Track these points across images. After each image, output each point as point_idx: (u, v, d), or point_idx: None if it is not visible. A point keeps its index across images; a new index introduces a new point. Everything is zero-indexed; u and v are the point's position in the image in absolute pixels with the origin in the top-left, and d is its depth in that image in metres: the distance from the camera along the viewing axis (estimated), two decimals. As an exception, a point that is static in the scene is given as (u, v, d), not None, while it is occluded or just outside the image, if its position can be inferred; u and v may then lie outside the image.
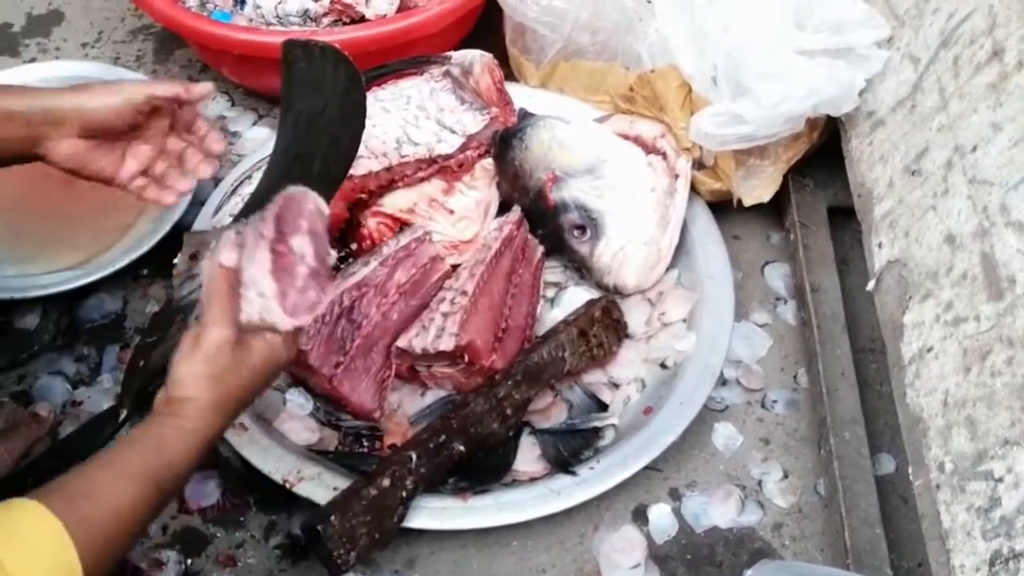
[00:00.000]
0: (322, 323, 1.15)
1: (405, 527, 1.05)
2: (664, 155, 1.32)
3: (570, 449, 1.15)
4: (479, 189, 1.31)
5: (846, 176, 1.29)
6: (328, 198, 1.01)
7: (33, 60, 1.69)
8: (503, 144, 1.30)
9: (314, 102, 0.96)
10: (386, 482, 1.03)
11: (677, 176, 1.31)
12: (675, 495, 1.18)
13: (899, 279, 1.11)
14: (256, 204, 0.98)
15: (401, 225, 1.27)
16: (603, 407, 1.21)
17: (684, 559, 1.12)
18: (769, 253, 1.42)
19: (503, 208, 1.33)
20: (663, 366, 1.23)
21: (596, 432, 1.17)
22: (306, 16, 1.53)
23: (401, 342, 1.18)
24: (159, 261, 1.33)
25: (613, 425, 1.18)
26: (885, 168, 1.19)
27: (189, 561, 1.11)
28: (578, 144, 1.30)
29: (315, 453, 1.14)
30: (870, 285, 1.17)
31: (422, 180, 1.28)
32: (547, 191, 1.28)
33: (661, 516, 1.15)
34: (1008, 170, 0.96)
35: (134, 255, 1.30)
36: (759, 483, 1.19)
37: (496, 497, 1.09)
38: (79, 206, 1.34)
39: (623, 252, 1.26)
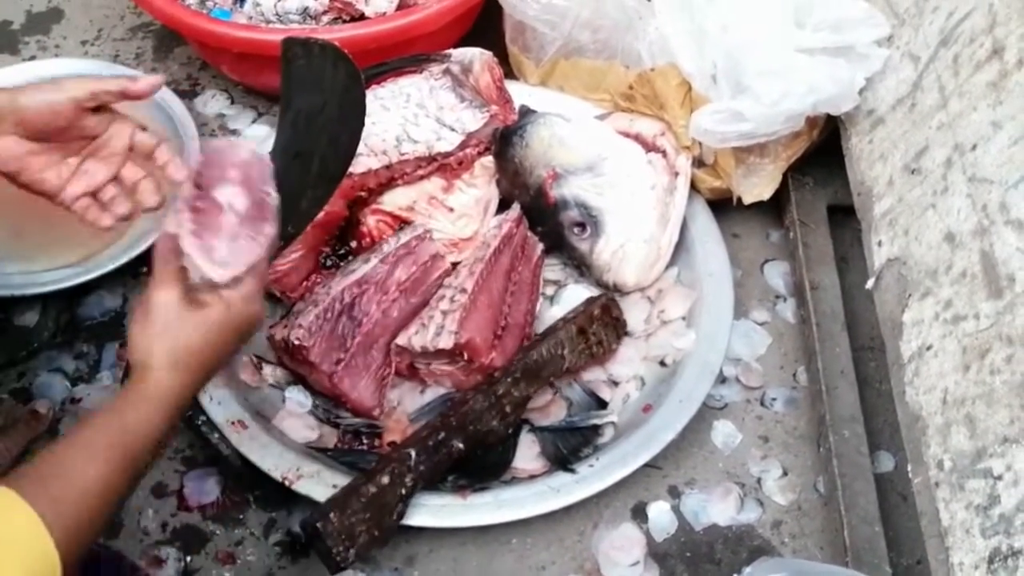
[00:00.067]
0: (323, 320, 1.15)
1: (404, 524, 1.05)
2: (664, 153, 1.32)
3: (569, 447, 1.15)
4: (479, 187, 1.31)
5: (846, 174, 1.30)
6: (328, 196, 1.01)
7: (33, 58, 1.69)
8: (503, 141, 1.30)
9: (313, 100, 0.96)
10: (385, 479, 1.03)
11: (677, 174, 1.31)
12: (674, 493, 1.18)
13: (899, 277, 1.11)
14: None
15: (401, 223, 1.27)
16: (602, 405, 1.21)
17: (683, 557, 1.12)
18: (769, 251, 1.42)
19: (503, 206, 1.33)
20: (662, 364, 1.23)
21: (595, 430, 1.17)
22: (306, 14, 1.53)
23: (401, 340, 1.18)
24: (159, 259, 1.33)
25: (612, 423, 1.18)
26: (885, 166, 1.19)
27: (188, 558, 1.12)
28: (578, 142, 1.30)
29: (314, 451, 1.14)
30: (869, 283, 1.17)
31: (422, 178, 1.28)
32: (547, 188, 1.28)
33: (660, 514, 1.15)
34: (1008, 168, 0.96)
35: (133, 253, 1.30)
36: (758, 481, 1.19)
37: (495, 495, 1.09)
38: (79, 204, 1.34)
39: (623, 250, 1.26)
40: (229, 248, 0.82)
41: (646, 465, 1.13)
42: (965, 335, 0.97)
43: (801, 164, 1.37)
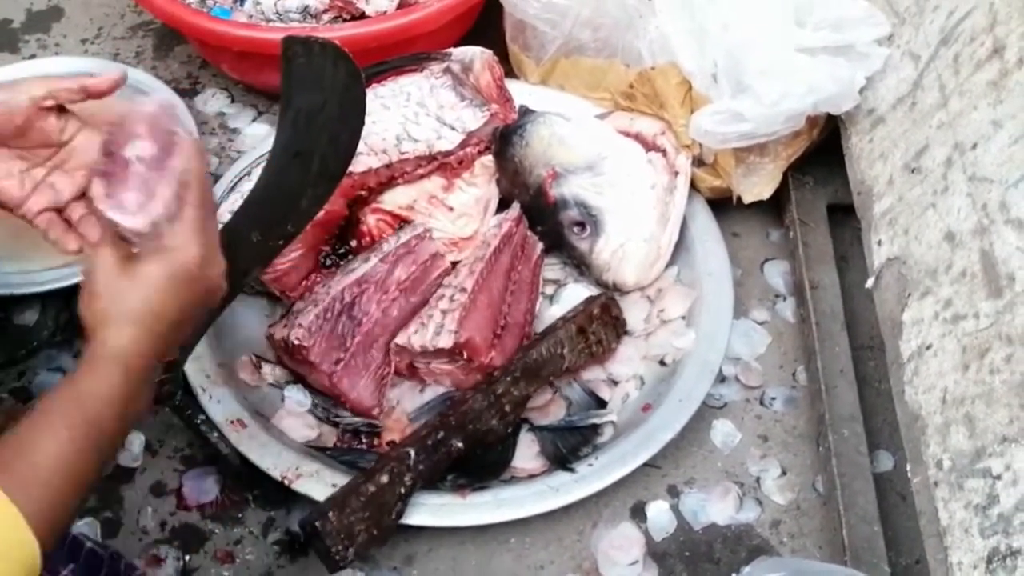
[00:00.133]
0: (323, 319, 1.15)
1: (403, 524, 1.05)
2: (664, 152, 1.32)
3: (569, 446, 1.15)
4: (479, 186, 1.31)
5: (846, 174, 1.29)
6: (328, 195, 1.01)
7: (33, 56, 1.69)
8: (503, 141, 1.30)
9: (314, 99, 0.96)
10: (384, 479, 1.03)
11: (677, 173, 1.31)
12: (673, 492, 1.18)
13: (898, 276, 1.11)
14: (255, 201, 0.99)
15: (401, 222, 1.27)
16: (602, 404, 1.21)
17: (682, 556, 1.12)
18: (768, 250, 1.41)
19: (503, 205, 1.33)
20: (662, 363, 1.23)
21: (595, 429, 1.17)
22: (306, 12, 1.53)
23: (400, 339, 1.18)
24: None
25: (612, 422, 1.18)
26: (885, 165, 1.19)
27: (187, 557, 1.12)
28: (578, 141, 1.30)
29: (313, 450, 1.14)
30: (869, 282, 1.17)
31: (422, 177, 1.28)
32: (547, 188, 1.28)
33: (659, 513, 1.15)
34: (1008, 168, 0.96)
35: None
36: (757, 480, 1.19)
37: (495, 494, 1.09)
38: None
39: (623, 249, 1.26)
40: (139, 195, 0.79)
41: (645, 464, 1.13)
42: (965, 334, 0.97)
43: (801, 163, 1.37)
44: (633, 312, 1.28)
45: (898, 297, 1.10)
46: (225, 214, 1.23)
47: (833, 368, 1.21)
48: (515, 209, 1.30)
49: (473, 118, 1.31)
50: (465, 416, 1.10)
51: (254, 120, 1.59)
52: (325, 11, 1.53)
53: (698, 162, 1.35)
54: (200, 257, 0.78)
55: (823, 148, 1.36)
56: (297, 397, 1.19)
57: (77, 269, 1.29)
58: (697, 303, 1.26)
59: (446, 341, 1.14)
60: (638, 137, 1.33)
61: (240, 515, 1.15)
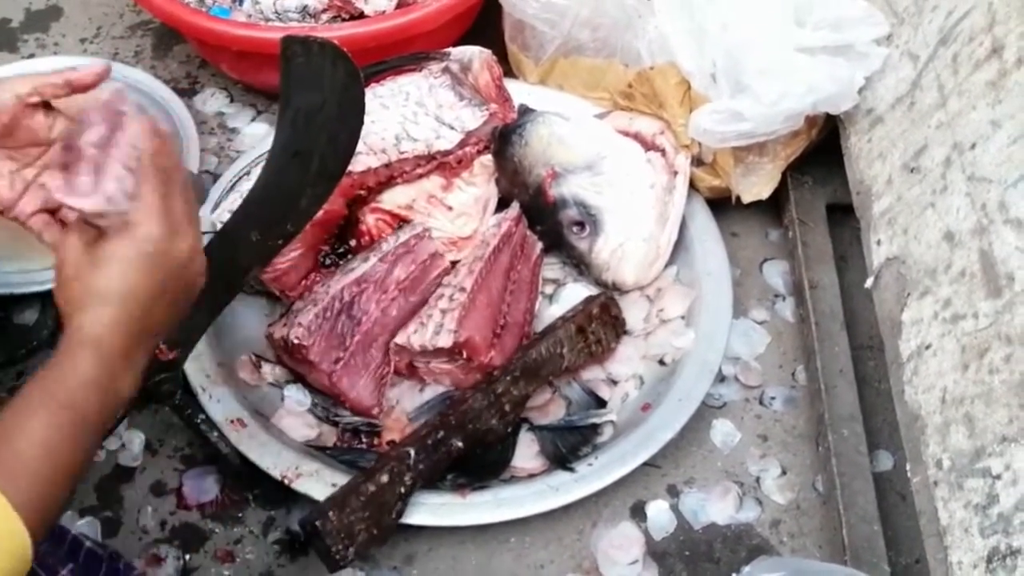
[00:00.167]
0: (323, 318, 1.15)
1: (403, 523, 1.05)
2: (663, 152, 1.32)
3: (568, 445, 1.15)
4: (478, 185, 1.31)
5: (845, 173, 1.30)
6: (327, 195, 1.01)
7: (32, 56, 1.69)
8: (502, 140, 1.30)
9: (313, 98, 0.96)
10: (384, 478, 1.03)
11: (676, 173, 1.31)
12: (673, 492, 1.18)
13: (898, 276, 1.11)
14: (255, 200, 0.99)
15: (400, 221, 1.27)
16: (601, 404, 1.21)
17: (682, 555, 1.12)
18: (768, 250, 1.42)
19: (502, 204, 1.33)
20: (661, 363, 1.23)
21: (594, 429, 1.17)
22: (305, 12, 1.53)
23: (400, 338, 1.18)
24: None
25: (611, 422, 1.18)
26: (884, 165, 1.19)
27: (187, 557, 1.12)
28: (577, 140, 1.30)
29: (313, 449, 1.14)
30: (869, 282, 1.17)
31: (421, 176, 1.28)
32: (546, 187, 1.28)
33: (659, 513, 1.15)
34: (1007, 167, 0.96)
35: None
36: (757, 480, 1.19)
37: (494, 493, 1.09)
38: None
39: (622, 249, 1.26)
40: (91, 176, 0.79)
41: (645, 464, 1.13)
42: (964, 334, 0.97)
43: (800, 163, 1.37)
44: (632, 312, 1.28)
45: (897, 297, 1.10)
46: (224, 213, 1.23)
47: (832, 368, 1.21)
48: (514, 208, 1.30)
49: (472, 118, 1.31)
50: (465, 415, 1.10)
51: (253, 120, 1.59)
52: (324, 11, 1.53)
53: (697, 162, 1.35)
54: (165, 230, 0.77)
55: (822, 148, 1.36)
56: (297, 396, 1.19)
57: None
58: (696, 303, 1.26)
59: (445, 340, 1.14)
60: (637, 137, 1.33)
61: (240, 514, 1.15)
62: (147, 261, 0.76)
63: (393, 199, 1.26)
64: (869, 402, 1.22)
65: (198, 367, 1.16)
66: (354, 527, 1.00)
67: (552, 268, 1.33)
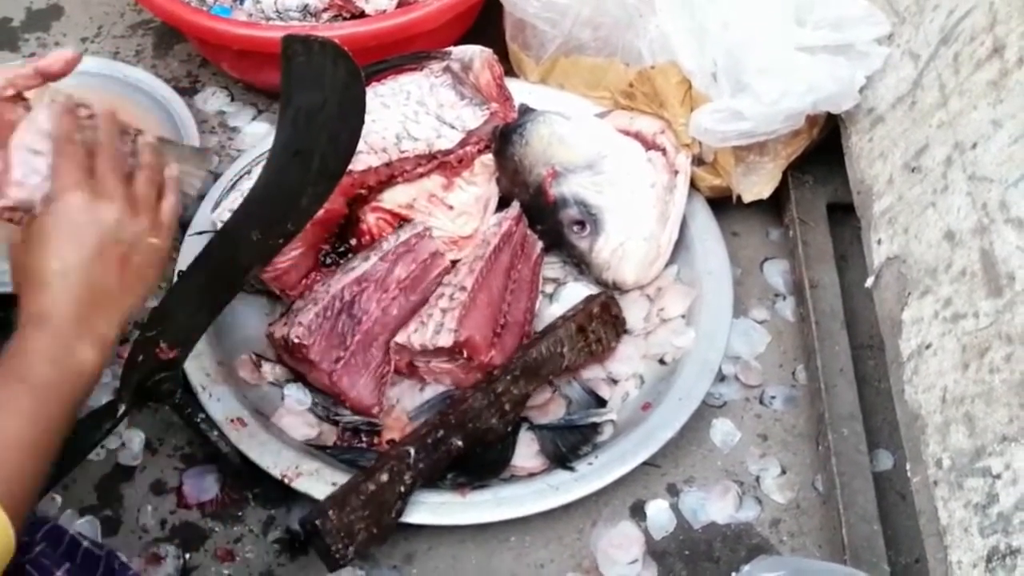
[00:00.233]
0: (323, 318, 1.15)
1: (403, 522, 1.05)
2: (664, 151, 1.32)
3: (568, 445, 1.15)
4: (478, 185, 1.31)
5: (846, 173, 1.29)
6: (327, 193, 1.01)
7: (32, 55, 1.69)
8: (503, 139, 1.30)
9: (314, 97, 0.96)
10: (384, 477, 1.03)
11: (677, 172, 1.31)
12: (673, 491, 1.18)
13: (898, 275, 1.11)
14: (255, 199, 0.99)
15: (401, 221, 1.27)
16: (601, 403, 1.21)
17: (682, 555, 1.12)
18: (768, 249, 1.42)
19: (503, 204, 1.33)
20: (662, 362, 1.23)
21: (594, 428, 1.17)
22: (306, 11, 1.53)
23: (400, 338, 1.18)
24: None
25: (611, 421, 1.18)
26: (885, 165, 1.19)
27: (187, 556, 1.12)
28: (578, 140, 1.30)
29: (313, 448, 1.14)
30: (869, 281, 1.17)
31: (421, 176, 1.28)
32: (547, 186, 1.28)
33: (659, 512, 1.15)
34: (1008, 167, 0.96)
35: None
36: (757, 479, 1.19)
37: (494, 492, 1.09)
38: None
39: (622, 248, 1.26)
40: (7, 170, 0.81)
41: (645, 463, 1.13)
42: (964, 333, 0.97)
43: (801, 162, 1.37)
44: (633, 311, 1.28)
45: (898, 296, 1.10)
46: (225, 212, 1.23)
47: (833, 367, 1.21)
48: (515, 208, 1.30)
49: (473, 117, 1.31)
50: (465, 415, 1.10)
51: (254, 119, 1.59)
52: (325, 10, 1.53)
53: (698, 161, 1.35)
54: (86, 199, 0.80)
55: (823, 147, 1.36)
56: (297, 395, 1.19)
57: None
58: (697, 302, 1.26)
59: (446, 340, 1.14)
60: (638, 136, 1.33)
61: (240, 513, 1.15)
62: (72, 230, 0.79)
63: (394, 198, 1.26)
64: (869, 401, 1.22)
65: (198, 366, 1.16)
66: (354, 526, 1.00)
67: (552, 267, 1.33)
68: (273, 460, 1.10)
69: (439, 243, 1.26)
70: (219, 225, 1.21)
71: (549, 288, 1.32)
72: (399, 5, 1.50)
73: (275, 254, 1.03)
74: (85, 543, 0.88)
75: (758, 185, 1.35)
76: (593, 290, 1.29)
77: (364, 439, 1.18)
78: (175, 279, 1.23)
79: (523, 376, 1.14)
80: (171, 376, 1.03)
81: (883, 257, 1.15)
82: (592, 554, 1.12)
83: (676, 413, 1.15)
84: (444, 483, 1.11)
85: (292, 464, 1.09)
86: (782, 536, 1.14)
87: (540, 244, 1.30)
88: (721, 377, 1.26)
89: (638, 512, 1.16)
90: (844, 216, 1.36)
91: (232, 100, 1.62)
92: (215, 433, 1.11)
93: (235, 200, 1.22)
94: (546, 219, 1.30)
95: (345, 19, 1.53)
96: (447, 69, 1.35)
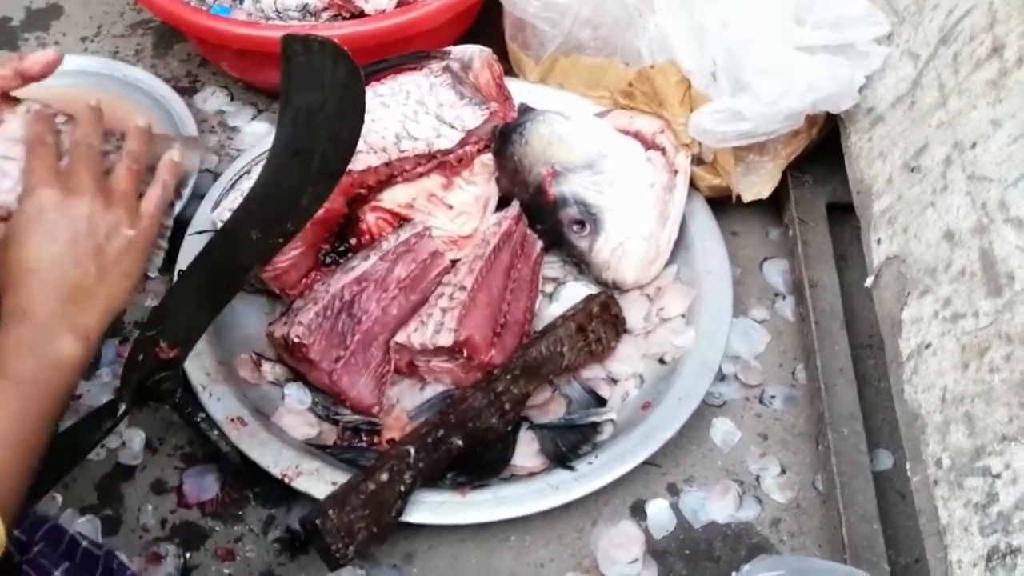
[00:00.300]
0: (323, 317, 1.15)
1: (403, 521, 1.05)
2: (663, 151, 1.32)
3: (568, 444, 1.15)
4: (478, 184, 1.31)
5: (845, 172, 1.30)
6: (327, 193, 1.01)
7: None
8: (503, 139, 1.30)
9: (313, 97, 0.96)
10: (384, 477, 1.03)
11: (676, 172, 1.31)
12: (673, 490, 1.18)
13: (898, 275, 1.11)
14: (255, 199, 0.99)
15: (400, 220, 1.27)
16: (601, 402, 1.21)
17: (682, 554, 1.13)
18: (768, 249, 1.42)
19: (502, 203, 1.33)
20: (661, 361, 1.24)
21: (594, 427, 1.17)
22: (305, 11, 1.53)
23: (400, 337, 1.18)
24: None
25: (611, 420, 1.18)
26: (884, 164, 1.19)
27: (188, 555, 1.12)
28: (578, 139, 1.30)
29: (314, 448, 1.14)
30: (869, 281, 1.17)
31: (421, 175, 1.28)
32: (546, 186, 1.28)
33: (659, 511, 1.15)
34: (1007, 166, 0.96)
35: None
36: (757, 479, 1.19)
37: (494, 492, 1.09)
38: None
39: (622, 247, 1.27)
40: None
41: (645, 463, 1.13)
42: (964, 333, 0.97)
43: (800, 162, 1.37)
44: (632, 310, 1.28)
45: (897, 296, 1.10)
46: (225, 212, 1.23)
47: (832, 367, 1.21)
48: (514, 207, 1.30)
49: (472, 116, 1.31)
50: (465, 414, 1.10)
51: (253, 118, 1.59)
52: (324, 9, 1.53)
53: (697, 161, 1.35)
54: (57, 195, 0.81)
55: (822, 147, 1.36)
56: (297, 395, 1.19)
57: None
58: (696, 301, 1.26)
59: (446, 339, 1.14)
60: (637, 135, 1.33)
61: (240, 513, 1.15)
62: (43, 226, 0.80)
63: (393, 198, 1.26)
64: (869, 401, 1.23)
65: (198, 365, 1.16)
66: (354, 525, 1.00)
67: (552, 267, 1.34)
68: (273, 459, 1.10)
69: (439, 243, 1.26)
70: (219, 224, 1.21)
71: (549, 287, 1.32)
72: (398, 5, 1.50)
73: (275, 253, 1.03)
74: (84, 543, 0.88)
75: (758, 185, 1.35)
76: (593, 289, 1.29)
77: (364, 438, 1.18)
78: (175, 278, 1.23)
79: (523, 375, 1.14)
80: (171, 375, 1.03)
81: (883, 257, 1.15)
82: (592, 553, 1.12)
83: (676, 412, 1.15)
84: (444, 482, 1.11)
85: (292, 463, 1.09)
86: (782, 535, 1.14)
87: (540, 243, 1.30)
88: (721, 377, 1.26)
89: (638, 511, 1.16)
90: (844, 216, 1.36)
91: (232, 100, 1.62)
92: (215, 432, 1.11)
93: (235, 199, 1.22)
94: (546, 218, 1.30)
95: (344, 18, 1.53)
96: (447, 69, 1.35)
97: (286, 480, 1.08)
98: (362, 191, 1.25)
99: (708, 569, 1.12)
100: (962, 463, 0.92)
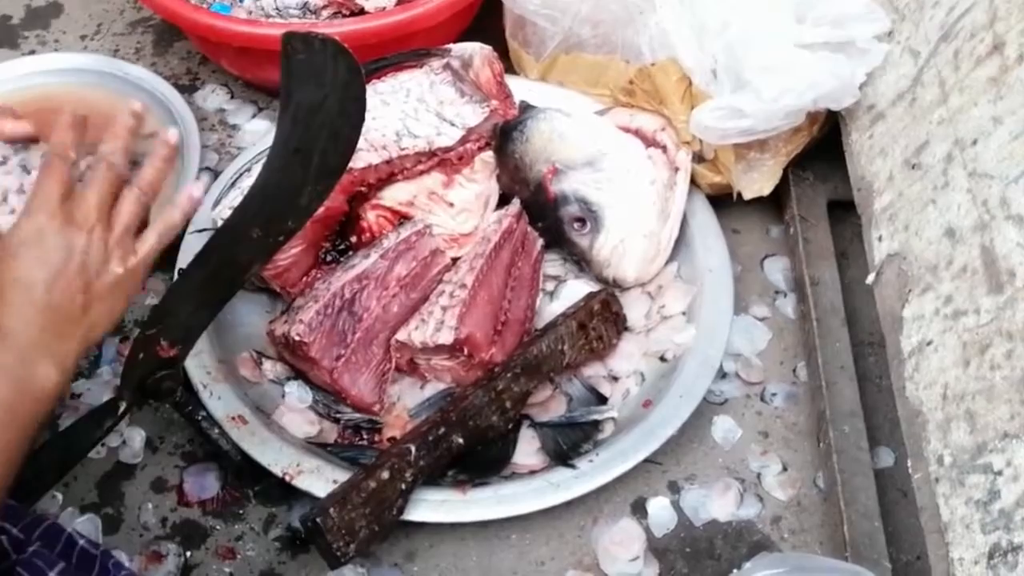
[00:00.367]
0: (324, 315, 1.15)
1: (404, 520, 1.05)
2: (664, 148, 1.31)
3: (569, 442, 1.15)
4: (479, 182, 1.31)
5: (846, 170, 1.29)
6: (328, 191, 1.01)
7: (32, 52, 1.69)
8: (503, 137, 1.30)
9: (314, 95, 0.96)
10: (385, 475, 1.03)
11: (677, 169, 1.31)
12: (674, 488, 1.18)
13: (899, 272, 1.11)
14: (255, 197, 0.99)
15: (401, 218, 1.27)
16: (602, 400, 1.21)
17: (683, 552, 1.13)
18: (769, 247, 1.41)
19: (503, 201, 1.33)
20: (662, 359, 1.23)
21: (595, 425, 1.17)
22: (305, 8, 1.52)
23: (400, 335, 1.18)
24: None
25: (612, 418, 1.18)
26: (885, 162, 1.19)
27: (188, 554, 1.12)
28: (578, 137, 1.29)
29: (314, 446, 1.14)
30: (870, 279, 1.17)
31: (422, 173, 1.28)
32: (547, 184, 1.28)
33: (660, 509, 1.15)
34: (1008, 164, 0.96)
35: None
36: (758, 476, 1.19)
37: (495, 490, 1.09)
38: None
39: (623, 245, 1.26)
40: None
41: (646, 460, 1.13)
42: (965, 330, 0.97)
43: (801, 159, 1.37)
44: (633, 308, 1.28)
45: (899, 293, 1.10)
46: (225, 210, 1.23)
47: (834, 364, 1.21)
48: (515, 205, 1.30)
49: (473, 114, 1.30)
50: (466, 412, 1.10)
51: (254, 116, 1.59)
52: (324, 7, 1.52)
53: (698, 158, 1.35)
54: (58, 220, 0.80)
55: (823, 144, 1.36)
56: (298, 393, 1.19)
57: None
58: (697, 299, 1.26)
59: (446, 337, 1.14)
60: (638, 133, 1.33)
61: (241, 511, 1.15)
62: (41, 249, 0.79)
63: (394, 196, 1.26)
64: (870, 398, 1.22)
65: (199, 364, 1.16)
66: (355, 524, 1.00)
67: (553, 265, 1.33)
68: (274, 458, 1.09)
69: (439, 240, 1.26)
70: (219, 223, 1.21)
71: (550, 285, 1.32)
72: (399, 2, 1.50)
73: (275, 252, 1.03)
74: (81, 542, 0.88)
75: (758, 182, 1.35)
76: (594, 287, 1.29)
77: (365, 437, 1.18)
78: (176, 277, 1.23)
79: (524, 373, 1.14)
80: (172, 374, 1.03)
81: (884, 254, 1.15)
82: (593, 551, 1.12)
83: (677, 410, 1.15)
84: (445, 481, 1.11)
85: (293, 462, 1.09)
86: (783, 533, 1.14)
87: (540, 241, 1.30)
88: (722, 374, 1.26)
89: (639, 509, 1.16)
90: (845, 213, 1.36)
91: (232, 97, 1.62)
92: (216, 431, 1.11)
93: (235, 198, 1.22)
94: (546, 216, 1.30)
95: (345, 16, 1.53)
96: (447, 66, 1.35)
97: (287, 478, 1.08)
98: (363, 189, 1.25)
99: (709, 567, 1.11)
100: (963, 460, 0.92)
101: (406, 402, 1.20)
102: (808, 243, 1.33)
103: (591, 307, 1.21)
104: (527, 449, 1.16)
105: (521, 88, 1.43)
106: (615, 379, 1.24)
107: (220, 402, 1.13)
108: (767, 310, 1.34)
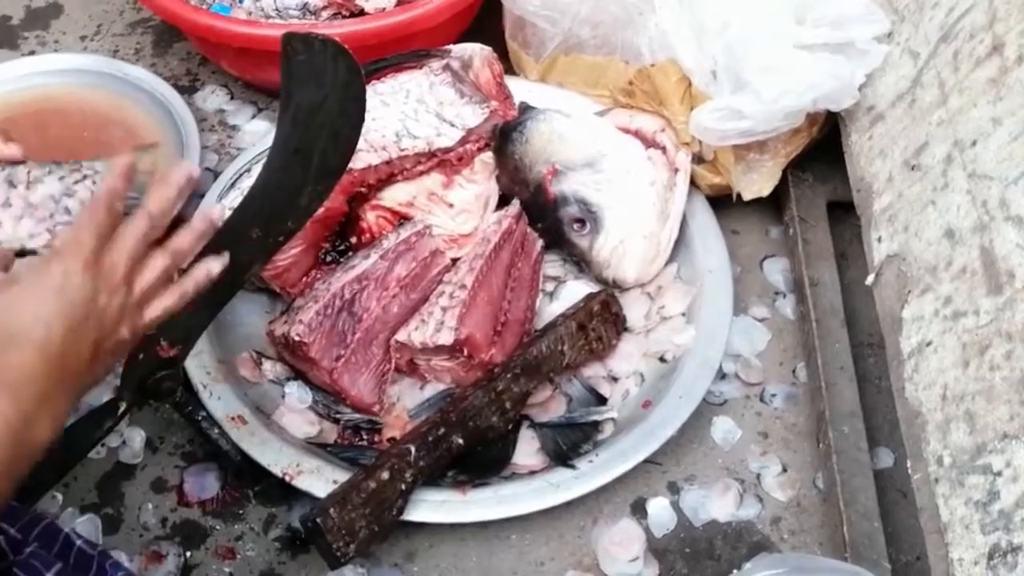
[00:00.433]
0: (324, 315, 1.15)
1: (404, 520, 1.05)
2: (664, 149, 1.32)
3: (569, 443, 1.15)
4: (479, 183, 1.31)
5: (845, 171, 1.30)
6: (327, 192, 1.01)
7: (32, 53, 1.69)
8: (503, 137, 1.30)
9: (314, 95, 0.96)
10: (385, 475, 1.03)
11: (677, 170, 1.31)
12: (674, 488, 1.18)
13: (898, 273, 1.11)
14: (256, 197, 0.99)
15: (401, 219, 1.27)
16: (602, 401, 1.21)
17: (683, 552, 1.13)
18: (768, 247, 1.42)
19: (503, 202, 1.33)
20: (662, 360, 1.23)
21: (595, 426, 1.17)
22: (305, 9, 1.52)
23: (400, 336, 1.18)
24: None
25: (612, 419, 1.18)
26: (884, 163, 1.19)
27: (188, 554, 1.12)
28: (578, 138, 1.30)
29: (314, 446, 1.14)
30: (869, 279, 1.17)
31: (421, 174, 1.28)
32: (547, 184, 1.28)
33: (660, 509, 1.15)
34: (1007, 165, 0.96)
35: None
36: (758, 477, 1.19)
37: (495, 490, 1.09)
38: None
39: (622, 246, 1.27)
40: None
41: (646, 461, 1.13)
42: (965, 331, 0.97)
43: (801, 160, 1.37)
44: (633, 309, 1.28)
45: (898, 294, 1.10)
46: (225, 211, 1.23)
47: (833, 365, 1.21)
48: (515, 206, 1.30)
49: (473, 115, 1.30)
50: (465, 413, 1.10)
51: (254, 117, 1.59)
52: (324, 8, 1.53)
53: (698, 159, 1.35)
54: (87, 276, 0.77)
55: (823, 145, 1.36)
56: (298, 393, 1.19)
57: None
58: (697, 300, 1.26)
59: (446, 338, 1.14)
60: (638, 134, 1.33)
61: (241, 511, 1.15)
62: (61, 295, 0.76)
63: (394, 196, 1.27)
64: (870, 399, 1.23)
65: (199, 364, 1.16)
66: (355, 524, 1.00)
67: (553, 265, 1.34)
68: (274, 458, 1.09)
69: (439, 241, 1.26)
70: (219, 223, 1.21)
71: (549, 286, 1.32)
72: (399, 3, 1.50)
73: (275, 252, 1.03)
74: (79, 542, 0.88)
75: (758, 183, 1.35)
76: (593, 288, 1.29)
77: (365, 437, 1.18)
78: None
79: (524, 374, 1.14)
80: (172, 374, 1.03)
81: (883, 255, 1.15)
82: (593, 552, 1.12)
83: (677, 411, 1.15)
84: (445, 481, 1.11)
85: (293, 462, 1.09)
86: (783, 534, 1.14)
87: (540, 242, 1.30)
88: (721, 375, 1.26)
89: (639, 510, 1.16)
90: (844, 214, 1.36)
91: (232, 98, 1.62)
92: (216, 431, 1.11)
93: (235, 198, 1.22)
94: (546, 217, 1.30)
95: (345, 17, 1.53)
96: (447, 67, 1.35)
97: (287, 479, 1.08)
98: (362, 189, 1.25)
99: (709, 567, 1.12)
100: (963, 461, 0.92)
101: (406, 403, 1.20)
102: (807, 244, 1.33)
103: (591, 308, 1.21)
104: (527, 449, 1.16)
105: (521, 89, 1.43)
106: (615, 380, 1.24)
107: (220, 402, 1.13)
108: (766, 311, 1.34)
